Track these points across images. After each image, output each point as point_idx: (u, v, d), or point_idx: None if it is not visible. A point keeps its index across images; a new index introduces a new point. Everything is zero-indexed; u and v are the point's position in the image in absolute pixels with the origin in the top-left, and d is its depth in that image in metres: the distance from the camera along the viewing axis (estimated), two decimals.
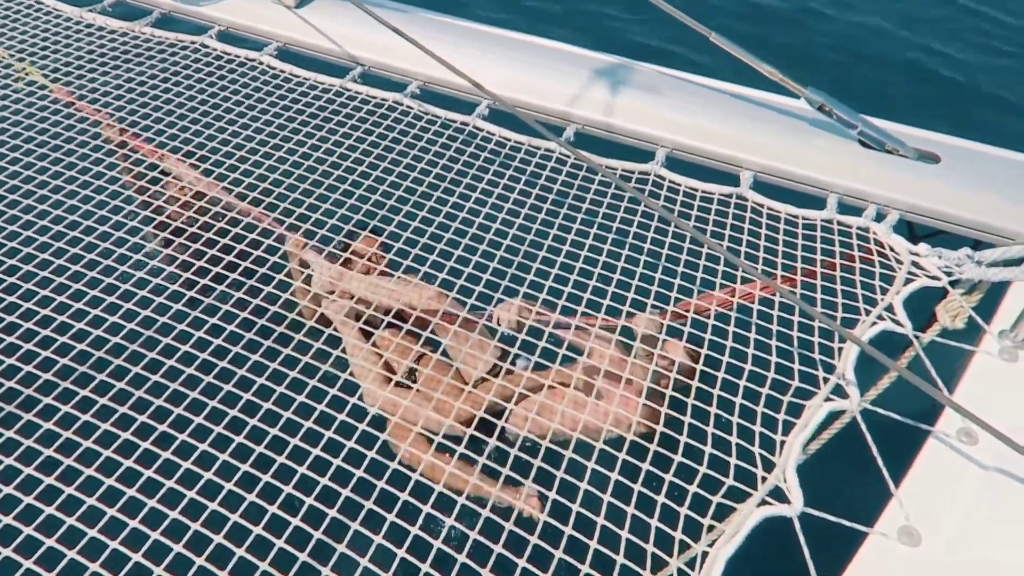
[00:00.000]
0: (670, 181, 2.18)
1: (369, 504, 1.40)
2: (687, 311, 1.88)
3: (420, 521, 1.38)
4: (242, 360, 1.66)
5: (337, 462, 1.47)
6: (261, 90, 2.44)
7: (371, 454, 1.48)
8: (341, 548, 1.32)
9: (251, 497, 1.39)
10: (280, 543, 1.32)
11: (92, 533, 1.34)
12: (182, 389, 1.60)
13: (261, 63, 2.57)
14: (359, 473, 1.45)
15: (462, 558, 1.32)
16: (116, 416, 1.54)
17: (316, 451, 1.48)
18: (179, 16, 2.80)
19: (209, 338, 1.71)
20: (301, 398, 1.59)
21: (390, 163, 2.20)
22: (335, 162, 2.20)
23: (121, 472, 1.44)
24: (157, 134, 2.23)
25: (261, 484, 1.42)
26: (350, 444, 1.50)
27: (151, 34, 2.68)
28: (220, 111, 2.34)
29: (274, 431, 1.51)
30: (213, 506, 1.38)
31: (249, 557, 1.30)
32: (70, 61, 2.50)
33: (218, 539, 1.32)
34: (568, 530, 1.38)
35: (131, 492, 1.40)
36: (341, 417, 1.55)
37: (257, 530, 1.33)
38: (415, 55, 2.19)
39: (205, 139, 2.23)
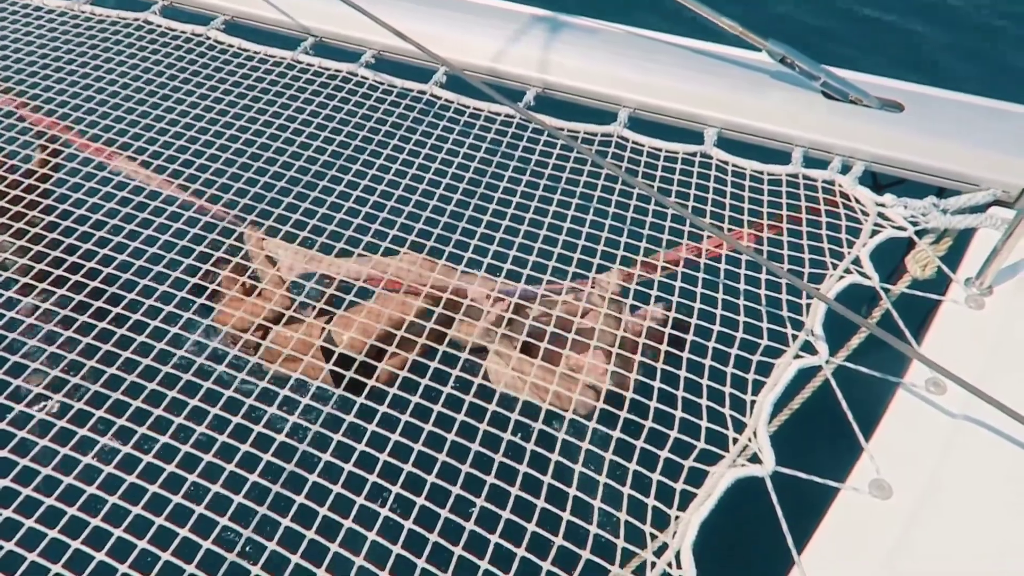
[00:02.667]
0: (633, 142, 2.14)
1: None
2: (657, 264, 1.86)
3: (388, 503, 1.35)
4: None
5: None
6: (209, 66, 2.36)
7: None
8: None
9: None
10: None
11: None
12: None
13: (208, 38, 2.48)
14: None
15: (433, 537, 1.30)
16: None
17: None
18: None
19: (165, 326, 1.67)
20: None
21: (347, 136, 2.14)
22: (289, 137, 2.13)
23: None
24: (101, 117, 2.14)
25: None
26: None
27: (91, 12, 2.57)
28: (167, 90, 2.26)
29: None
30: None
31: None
32: (6, 45, 2.40)
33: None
34: (540, 503, 1.36)
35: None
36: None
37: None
38: (368, 23, 2.12)
39: (152, 120, 2.15)
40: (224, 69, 2.34)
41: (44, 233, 1.85)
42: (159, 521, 1.31)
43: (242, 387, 1.54)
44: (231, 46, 2.46)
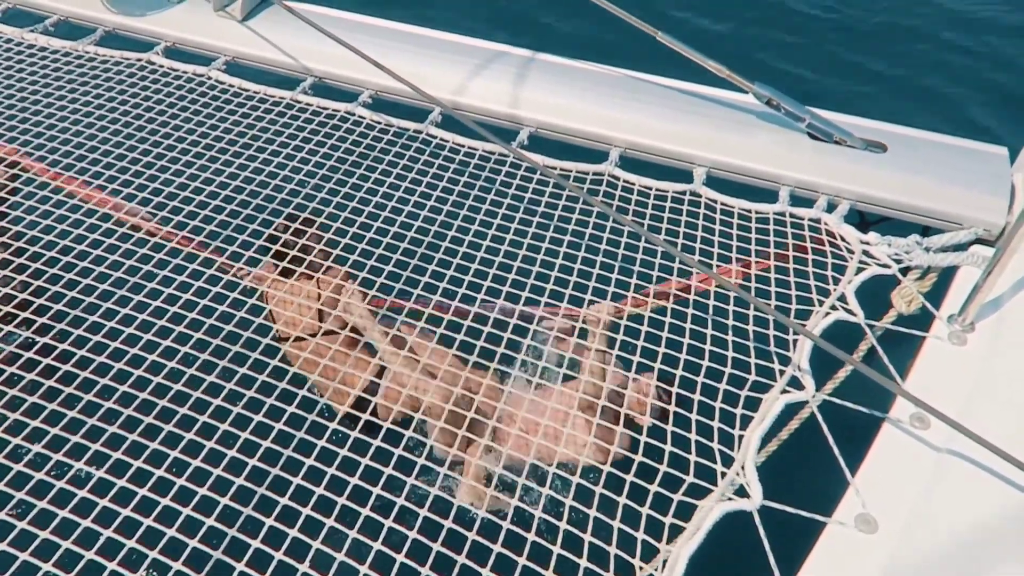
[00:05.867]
0: (624, 181, 2.19)
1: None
2: (646, 300, 1.90)
3: (381, 537, 1.37)
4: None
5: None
6: (210, 106, 2.41)
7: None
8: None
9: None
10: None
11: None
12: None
13: (209, 78, 2.54)
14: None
15: (425, 571, 1.32)
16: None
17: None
18: (124, 33, 2.76)
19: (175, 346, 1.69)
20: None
21: (343, 174, 2.19)
22: (288, 176, 2.18)
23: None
24: (103, 155, 2.19)
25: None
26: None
27: (95, 53, 2.64)
28: (168, 128, 2.31)
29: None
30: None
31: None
32: (12, 84, 2.46)
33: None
34: (531, 536, 1.38)
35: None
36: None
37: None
38: (366, 64, 2.18)
39: (154, 158, 2.20)
40: (225, 108, 2.40)
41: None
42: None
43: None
44: (232, 86, 2.51)
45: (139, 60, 2.61)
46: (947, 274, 1.92)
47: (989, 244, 1.97)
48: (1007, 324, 1.70)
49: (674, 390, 1.66)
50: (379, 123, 2.38)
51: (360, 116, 2.40)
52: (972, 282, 1.70)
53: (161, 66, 2.59)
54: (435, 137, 2.34)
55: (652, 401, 1.75)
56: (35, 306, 1.82)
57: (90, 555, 1.33)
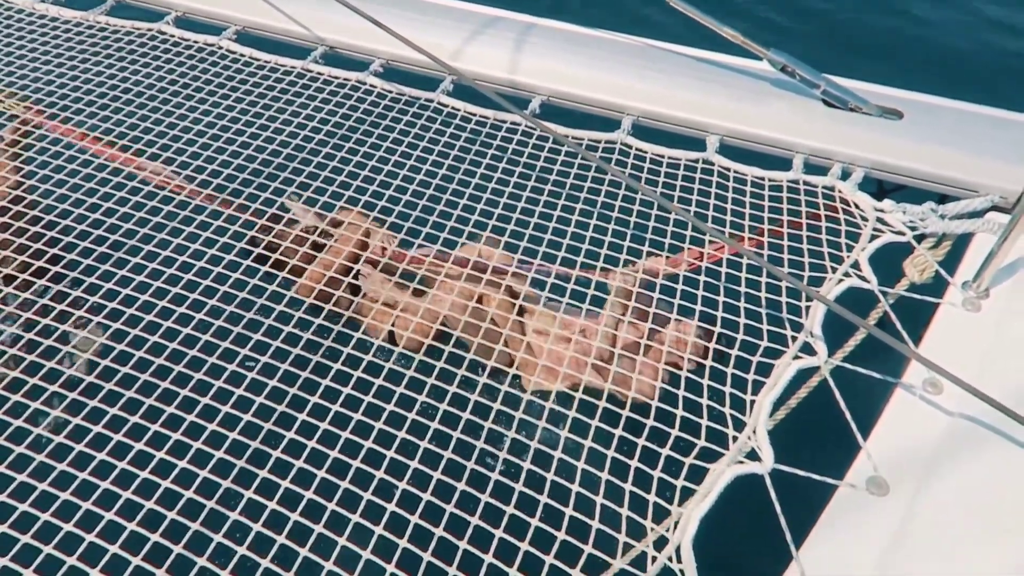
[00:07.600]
0: (636, 149, 2.18)
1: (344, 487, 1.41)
2: (659, 267, 1.90)
3: (395, 498, 1.38)
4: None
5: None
6: (221, 75, 2.41)
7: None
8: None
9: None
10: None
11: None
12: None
13: (220, 48, 2.54)
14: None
15: (439, 532, 1.33)
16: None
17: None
18: (135, 3, 2.75)
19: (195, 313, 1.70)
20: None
21: (355, 143, 2.19)
22: (299, 144, 2.18)
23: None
24: (116, 125, 2.20)
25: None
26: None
27: (106, 23, 2.63)
28: (180, 98, 2.31)
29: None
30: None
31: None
32: (23, 55, 2.46)
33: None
34: (543, 498, 1.39)
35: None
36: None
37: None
38: (377, 33, 2.16)
39: (166, 127, 2.20)
40: (236, 78, 2.39)
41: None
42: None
43: None
44: (243, 55, 2.51)
45: (150, 30, 2.60)
46: (960, 243, 1.90)
47: (1005, 211, 1.95)
48: (1022, 290, 1.69)
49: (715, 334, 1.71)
50: (390, 92, 2.37)
51: (371, 85, 2.40)
52: (987, 249, 1.68)
53: (172, 36, 2.58)
54: (447, 106, 2.33)
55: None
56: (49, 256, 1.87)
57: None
